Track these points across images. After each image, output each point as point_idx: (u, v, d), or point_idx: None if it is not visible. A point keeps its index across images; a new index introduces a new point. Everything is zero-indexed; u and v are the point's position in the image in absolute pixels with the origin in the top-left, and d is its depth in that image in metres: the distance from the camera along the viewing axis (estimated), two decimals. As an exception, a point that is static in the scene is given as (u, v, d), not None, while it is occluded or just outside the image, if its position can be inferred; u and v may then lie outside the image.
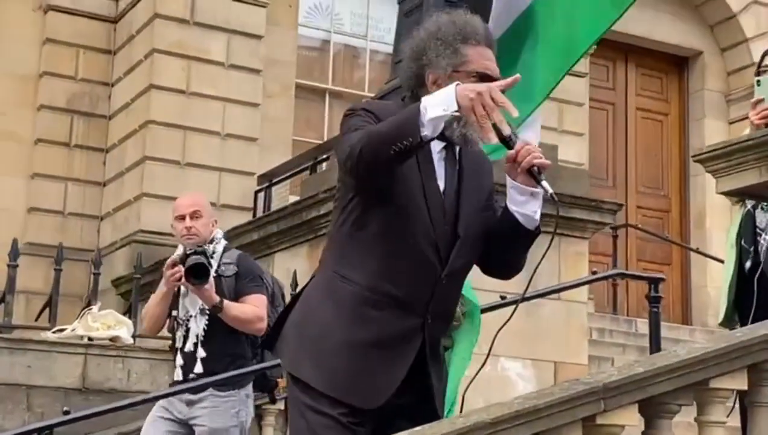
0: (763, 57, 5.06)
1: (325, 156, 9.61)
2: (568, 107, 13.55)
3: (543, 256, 2.89)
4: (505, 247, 2.94)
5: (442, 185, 2.90)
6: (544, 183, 2.81)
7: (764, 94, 4.38)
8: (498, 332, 2.99)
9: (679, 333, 11.72)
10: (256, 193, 11.01)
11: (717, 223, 13.93)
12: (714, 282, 13.46)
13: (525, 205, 2.86)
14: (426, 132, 2.65)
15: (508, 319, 2.95)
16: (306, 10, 12.68)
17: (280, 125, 11.97)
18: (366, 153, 2.69)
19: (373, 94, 9.48)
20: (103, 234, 11.63)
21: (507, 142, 2.81)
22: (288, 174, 10.73)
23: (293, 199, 10.21)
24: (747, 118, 15.11)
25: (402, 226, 2.83)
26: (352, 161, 2.71)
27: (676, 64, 14.88)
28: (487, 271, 3.04)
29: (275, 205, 10.41)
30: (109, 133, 11.83)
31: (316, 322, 2.87)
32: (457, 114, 2.67)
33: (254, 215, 10.64)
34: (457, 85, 2.69)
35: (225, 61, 11.48)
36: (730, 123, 14.51)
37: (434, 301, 2.86)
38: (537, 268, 2.91)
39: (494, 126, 2.70)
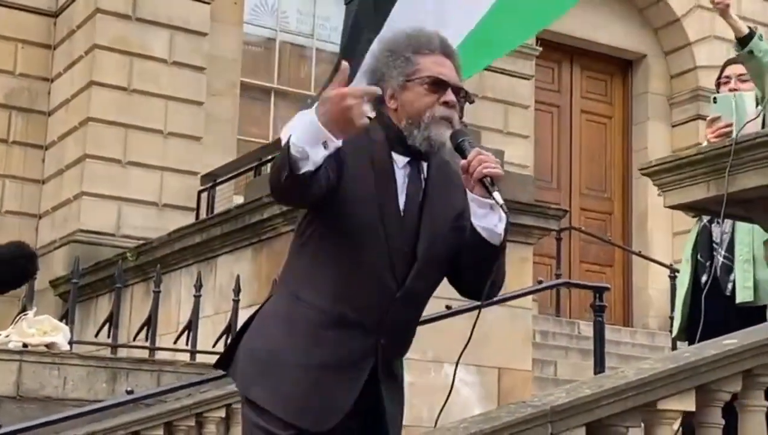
0: (723, 68, 5.04)
1: (270, 157, 9.51)
2: (514, 109, 13.58)
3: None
4: (472, 264, 2.82)
5: (402, 203, 2.80)
6: (496, 194, 2.69)
7: (721, 111, 4.37)
8: (463, 352, 2.89)
9: (621, 335, 11.81)
10: (200, 193, 10.86)
11: (658, 226, 14.07)
12: (655, 284, 13.59)
13: (485, 218, 2.75)
14: (309, 168, 2.56)
15: (471, 336, 2.85)
16: (251, 7, 12.54)
17: (224, 124, 11.83)
18: (270, 182, 2.67)
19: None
20: (41, 233, 11.41)
21: (460, 149, 2.73)
22: (232, 174, 10.60)
23: (238, 199, 10.10)
24: (689, 121, 15.28)
25: (356, 247, 2.74)
26: (270, 189, 2.72)
27: (620, 66, 14.98)
28: (460, 290, 2.94)
29: (219, 205, 10.28)
30: (49, 130, 11.61)
31: (268, 342, 2.80)
32: (339, 143, 2.58)
33: (197, 216, 10.50)
34: (315, 111, 2.57)
35: (168, 58, 11.31)
36: (673, 126, 14.66)
37: (388, 322, 2.78)
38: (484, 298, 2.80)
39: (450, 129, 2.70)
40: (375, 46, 2.95)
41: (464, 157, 2.72)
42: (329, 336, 2.74)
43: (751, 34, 4.73)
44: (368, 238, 2.74)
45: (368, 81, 2.86)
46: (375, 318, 2.76)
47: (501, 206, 2.70)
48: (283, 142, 2.62)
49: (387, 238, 2.75)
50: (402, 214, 2.80)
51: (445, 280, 2.97)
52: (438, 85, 2.79)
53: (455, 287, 2.94)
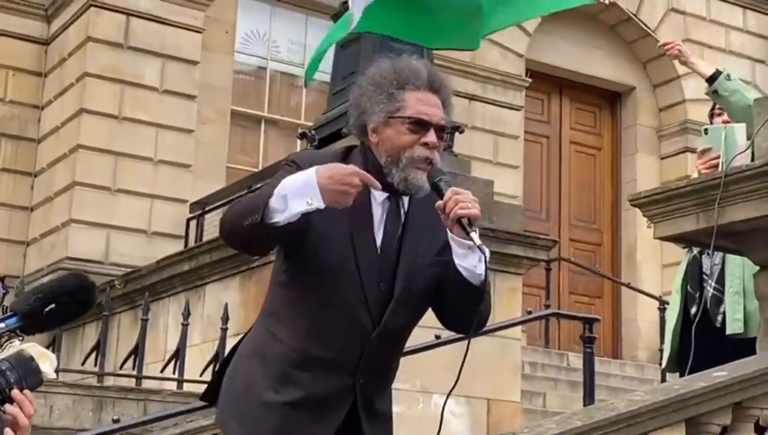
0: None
1: (259, 184, 9.48)
2: (504, 140, 13.61)
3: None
4: (455, 302, 2.76)
5: (380, 239, 2.73)
6: (473, 235, 2.60)
7: (711, 143, 4.38)
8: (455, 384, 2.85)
9: (610, 367, 11.78)
10: (189, 220, 10.84)
11: (648, 257, 14.09)
12: (644, 316, 13.59)
13: (465, 258, 2.67)
14: (278, 219, 2.56)
15: (460, 370, 2.80)
16: (242, 36, 12.58)
17: (214, 152, 11.83)
18: (227, 223, 2.67)
19: (310, 123, 9.40)
20: (29, 260, 11.36)
21: (437, 188, 2.67)
22: (221, 202, 10.58)
23: (226, 228, 10.07)
24: (678, 153, 15.34)
25: (329, 286, 2.69)
26: (220, 228, 2.72)
27: (609, 98, 15.05)
28: (444, 324, 2.88)
29: (208, 233, 10.26)
30: (38, 157, 11.60)
31: (243, 377, 2.78)
32: (321, 207, 2.57)
33: (186, 243, 10.48)
34: (317, 170, 2.58)
35: (159, 86, 11.33)
36: (662, 158, 14.70)
37: (365, 362, 2.73)
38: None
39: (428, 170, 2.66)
40: (362, 79, 2.83)
41: (441, 196, 2.66)
42: (302, 376, 2.71)
43: (717, 74, 4.81)
44: (342, 277, 2.68)
45: (352, 114, 2.82)
46: (351, 358, 2.72)
47: (479, 247, 2.63)
48: (262, 191, 2.61)
49: (361, 276, 2.70)
50: (379, 251, 2.74)
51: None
52: (420, 124, 2.72)
53: (439, 319, 2.88)
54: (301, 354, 2.71)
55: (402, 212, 2.79)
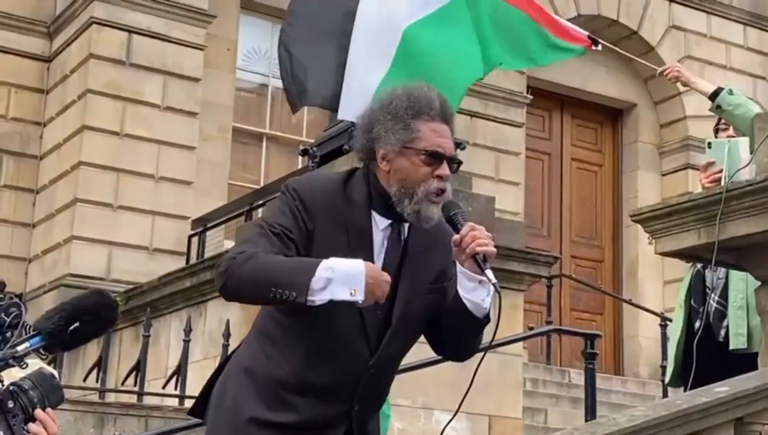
0: None
1: (261, 201, 9.51)
2: (505, 157, 13.64)
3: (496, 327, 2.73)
4: (454, 332, 2.77)
5: (379, 266, 2.69)
6: (489, 272, 2.63)
7: (715, 156, 4.39)
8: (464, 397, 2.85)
9: (612, 384, 11.77)
10: (190, 237, 10.85)
11: (649, 274, 14.09)
12: (646, 332, 13.58)
13: (473, 292, 2.68)
14: (315, 299, 2.54)
15: (469, 388, 2.81)
16: (244, 53, 12.62)
17: (216, 169, 11.85)
18: (233, 284, 2.62)
19: (311, 140, 9.41)
20: (30, 277, 11.37)
21: (452, 222, 2.70)
22: (223, 218, 10.60)
23: (228, 244, 10.08)
24: (679, 170, 15.35)
25: (327, 315, 2.63)
26: (222, 281, 2.64)
27: (610, 115, 15.08)
28: (437, 351, 2.89)
29: (210, 251, 10.27)
30: (40, 174, 11.61)
31: (233, 394, 2.76)
32: (360, 301, 2.56)
33: (188, 260, 10.48)
34: (367, 265, 2.58)
35: (161, 103, 11.35)
36: (663, 175, 14.72)
37: (361, 390, 2.73)
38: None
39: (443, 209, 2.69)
40: (374, 103, 2.81)
41: (456, 230, 2.68)
42: (296, 400, 2.69)
43: (719, 90, 4.85)
44: (341, 305, 2.60)
45: (363, 137, 2.79)
46: (348, 387, 2.71)
47: (494, 285, 2.64)
48: (283, 265, 2.58)
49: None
50: None
51: None
52: (435, 157, 2.72)
53: (432, 347, 2.88)
54: (296, 380, 2.69)
55: (402, 238, 2.79)
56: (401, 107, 2.74)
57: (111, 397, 7.55)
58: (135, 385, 7.49)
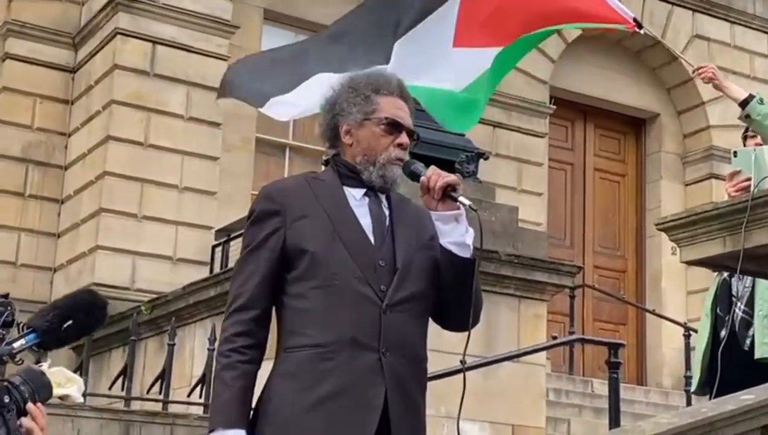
0: None
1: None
2: (528, 167, 13.63)
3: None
4: (449, 288, 2.87)
5: (368, 223, 2.87)
6: (461, 198, 2.82)
7: (741, 165, 4.37)
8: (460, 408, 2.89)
9: (635, 394, 11.72)
10: (214, 247, 10.89)
11: (672, 284, 14.03)
12: (669, 342, 13.52)
13: (453, 232, 2.84)
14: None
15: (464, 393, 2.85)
16: (267, 64, 12.66)
17: (239, 179, 11.89)
18: (218, 365, 2.88)
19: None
20: (56, 286, 11.43)
21: (414, 174, 2.88)
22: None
23: (251, 254, 10.10)
24: (703, 180, 15.27)
25: (327, 276, 2.80)
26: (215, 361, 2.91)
27: (633, 125, 15.05)
28: (443, 323, 2.98)
29: (233, 260, 10.30)
30: (65, 184, 11.69)
31: (275, 395, 2.81)
32: None
33: (211, 270, 10.52)
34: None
35: (184, 114, 11.42)
36: (686, 185, 14.67)
37: (384, 334, 2.79)
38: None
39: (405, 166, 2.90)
40: (334, 79, 3.03)
41: (418, 179, 2.86)
42: (330, 366, 2.76)
43: (749, 98, 4.82)
44: (334, 264, 2.80)
45: (327, 115, 2.98)
46: (371, 334, 2.78)
47: (470, 206, 2.81)
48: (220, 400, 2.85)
49: (351, 255, 2.82)
50: (372, 235, 2.87)
51: (450, 333, 3.00)
52: (394, 126, 2.92)
53: (439, 323, 2.98)
54: (323, 345, 2.77)
55: (384, 207, 2.94)
56: (361, 83, 2.97)
57: (136, 405, 7.58)
58: (160, 393, 7.53)
